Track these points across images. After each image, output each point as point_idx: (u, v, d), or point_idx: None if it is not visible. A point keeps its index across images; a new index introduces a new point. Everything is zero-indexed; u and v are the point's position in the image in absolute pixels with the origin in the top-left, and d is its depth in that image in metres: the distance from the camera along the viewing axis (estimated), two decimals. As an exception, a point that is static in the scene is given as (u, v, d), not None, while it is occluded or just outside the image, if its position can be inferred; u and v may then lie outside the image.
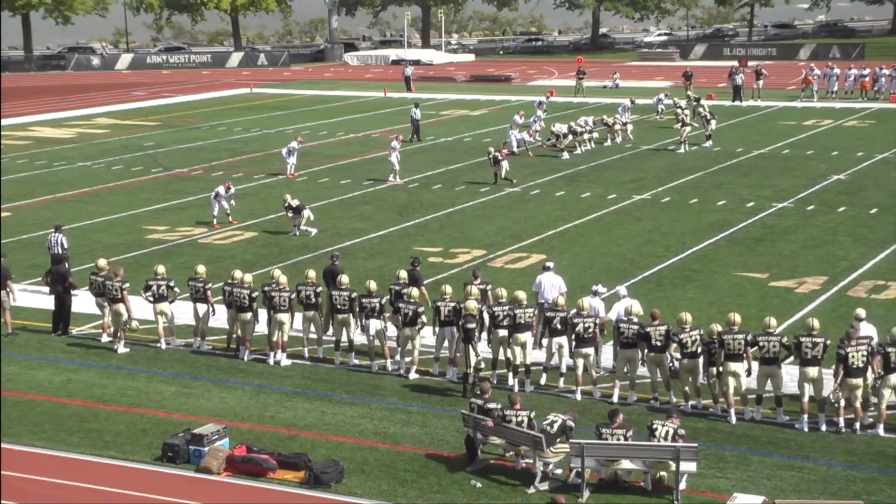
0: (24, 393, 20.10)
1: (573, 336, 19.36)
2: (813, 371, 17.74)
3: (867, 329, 18.62)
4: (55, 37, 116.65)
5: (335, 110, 62.80)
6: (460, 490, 15.90)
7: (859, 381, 17.50)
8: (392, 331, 20.99)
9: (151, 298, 22.24)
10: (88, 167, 44.80)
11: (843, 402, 17.57)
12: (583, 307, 19.60)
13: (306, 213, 31.83)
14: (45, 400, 19.75)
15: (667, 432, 15.77)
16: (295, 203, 31.95)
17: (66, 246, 26.45)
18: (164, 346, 22.29)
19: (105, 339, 22.75)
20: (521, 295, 20.12)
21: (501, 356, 20.07)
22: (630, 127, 48.44)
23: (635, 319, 19.25)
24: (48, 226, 33.20)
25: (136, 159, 46.38)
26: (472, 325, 19.50)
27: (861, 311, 19.72)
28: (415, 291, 21.01)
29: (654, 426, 15.90)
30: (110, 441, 17.84)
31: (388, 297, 21.10)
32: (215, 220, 33.13)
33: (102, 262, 23.19)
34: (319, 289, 21.35)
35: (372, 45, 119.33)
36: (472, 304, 19.78)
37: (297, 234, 31.54)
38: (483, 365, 19.90)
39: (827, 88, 62.61)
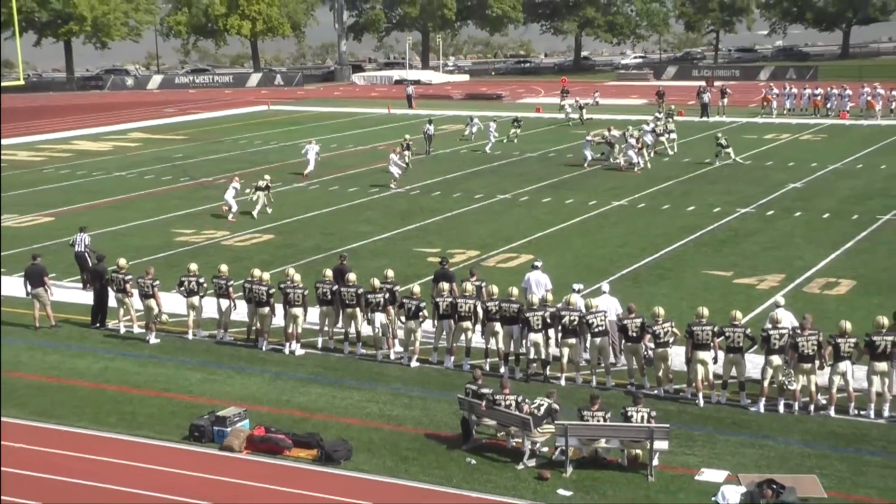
0: (66, 379, 20.12)
1: (559, 327, 19.35)
2: (778, 359, 17.76)
3: (785, 315, 18.59)
4: (94, 60, 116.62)
5: (344, 125, 62.73)
6: (457, 466, 15.91)
7: (810, 365, 17.54)
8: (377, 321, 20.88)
9: (185, 293, 22.26)
10: (123, 177, 44.77)
11: (797, 386, 17.62)
12: (570, 301, 19.58)
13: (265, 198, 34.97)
14: (86, 385, 19.76)
15: (641, 417, 15.81)
16: (262, 183, 35.15)
17: (87, 243, 26.48)
18: (191, 336, 22.29)
19: (122, 329, 22.74)
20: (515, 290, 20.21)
21: (493, 346, 20.06)
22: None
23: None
24: (90, 229, 33.01)
25: (166, 170, 46.35)
26: (532, 315, 19.36)
27: (780, 299, 19.81)
28: (416, 288, 20.95)
29: (630, 413, 15.91)
30: (143, 422, 17.85)
31: (385, 295, 20.76)
32: (231, 216, 34.40)
33: (123, 262, 23.14)
34: (336, 287, 21.31)
35: (377, 67, 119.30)
36: (536, 299, 19.67)
37: (267, 211, 34.77)
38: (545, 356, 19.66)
39: (784, 106, 62.68)
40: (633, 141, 42.69)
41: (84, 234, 26.71)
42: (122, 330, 22.81)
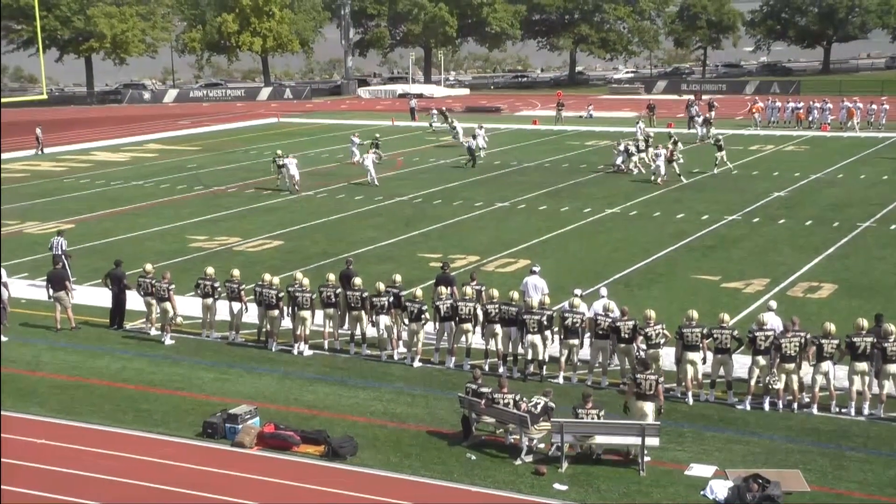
0: (85, 378, 20.07)
1: (562, 329, 19.27)
2: (763, 359, 17.72)
3: (772, 319, 18.53)
4: (113, 75, 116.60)
5: (351, 136, 62.58)
6: (457, 462, 15.86)
7: (792, 365, 17.52)
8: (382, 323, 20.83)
9: (201, 294, 22.23)
10: (140, 185, 44.75)
11: (780, 385, 17.58)
12: (575, 304, 19.52)
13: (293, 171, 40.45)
14: (104, 384, 19.72)
15: (650, 384, 16.04)
16: (281, 162, 40.75)
17: (65, 248, 26.58)
18: (205, 335, 22.26)
19: (153, 332, 22.68)
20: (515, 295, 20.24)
21: (492, 347, 20.01)
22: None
23: (611, 315, 19.21)
24: (108, 235, 33.43)
25: (181, 179, 46.33)
26: (529, 318, 19.27)
27: (772, 303, 19.78)
28: (418, 292, 20.92)
29: (639, 380, 16.18)
30: (159, 419, 17.81)
31: (389, 298, 20.70)
32: (297, 185, 40.68)
33: (149, 267, 23.10)
34: (339, 290, 21.29)
35: (381, 81, 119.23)
36: (534, 302, 19.61)
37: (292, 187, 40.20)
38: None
39: (768, 118, 62.67)
40: (664, 152, 42.27)
41: (61, 238, 26.83)
42: (153, 332, 22.71)
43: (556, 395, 16.92)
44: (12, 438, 16.90)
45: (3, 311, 22.80)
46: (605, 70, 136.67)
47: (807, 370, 17.73)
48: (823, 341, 17.46)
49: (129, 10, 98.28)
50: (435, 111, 65.57)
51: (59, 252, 26.36)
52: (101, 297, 25.02)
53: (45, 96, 61.63)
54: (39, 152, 56.22)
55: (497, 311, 19.77)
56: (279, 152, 43.25)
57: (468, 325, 20.09)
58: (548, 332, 19.35)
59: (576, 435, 15.70)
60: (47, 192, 43.16)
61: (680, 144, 44.68)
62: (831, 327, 17.58)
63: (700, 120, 57.01)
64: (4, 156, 54.90)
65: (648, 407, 16.14)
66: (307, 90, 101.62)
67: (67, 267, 25.54)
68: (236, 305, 22.05)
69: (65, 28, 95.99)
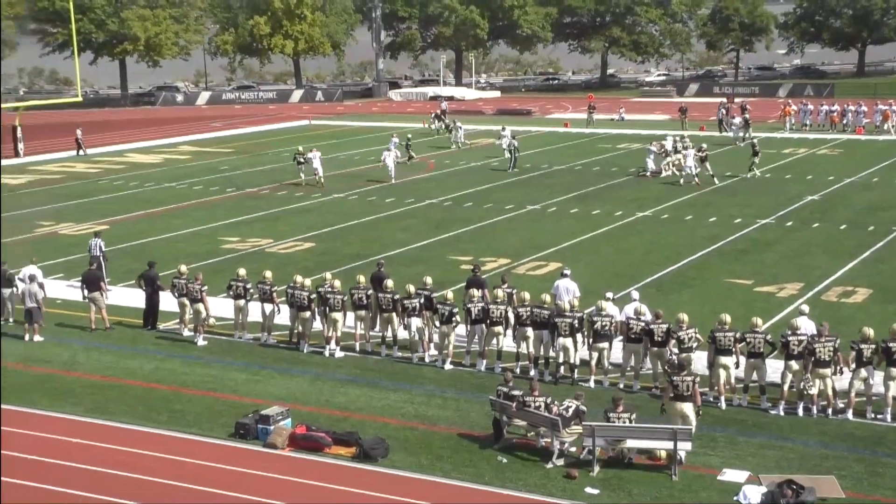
0: (119, 378, 20.23)
1: (591, 332, 19.22)
2: (796, 364, 17.58)
3: (806, 323, 18.35)
4: (146, 77, 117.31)
5: (382, 139, 62.65)
6: (488, 465, 15.85)
7: (827, 371, 17.36)
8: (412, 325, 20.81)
9: (233, 296, 22.33)
10: (173, 187, 45.06)
11: (815, 390, 17.42)
12: (602, 308, 19.45)
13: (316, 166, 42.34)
14: (138, 385, 19.87)
15: (687, 386, 16.03)
16: (303, 158, 42.72)
17: (103, 249, 26.82)
18: (236, 337, 22.36)
19: (186, 332, 22.81)
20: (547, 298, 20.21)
21: (524, 350, 19.98)
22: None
23: (643, 318, 19.13)
24: (143, 237, 33.69)
25: (214, 180, 46.60)
26: (561, 321, 19.27)
27: (804, 307, 19.60)
28: (449, 294, 20.90)
29: (676, 382, 16.13)
30: (192, 420, 17.91)
31: (420, 300, 20.72)
32: (320, 180, 42.49)
33: (184, 268, 23.26)
34: (370, 292, 21.34)
35: (413, 84, 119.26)
36: (567, 306, 19.61)
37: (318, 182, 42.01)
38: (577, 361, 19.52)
39: (802, 121, 62.18)
40: (692, 153, 42.09)
41: (99, 240, 27.09)
42: (186, 332, 22.84)
43: (588, 399, 16.86)
44: (48, 437, 17.08)
45: (38, 311, 23.04)
46: (636, 73, 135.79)
47: (845, 375, 17.57)
48: (863, 346, 17.30)
49: (163, 13, 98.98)
50: (433, 114, 65.81)
51: (98, 253, 26.58)
52: (134, 297, 25.19)
53: (79, 98, 62.23)
54: (83, 153, 56.71)
55: (528, 313, 19.75)
56: (300, 149, 44.75)
57: (499, 328, 20.07)
58: (579, 336, 19.30)
59: (607, 438, 15.66)
60: (83, 194, 43.56)
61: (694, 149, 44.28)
62: (870, 332, 17.41)
63: (739, 121, 56.67)
64: (42, 157, 55.59)
65: (688, 408, 16.07)
66: (339, 92, 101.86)
67: (103, 268, 25.74)
68: (268, 307, 22.16)
69: (99, 31, 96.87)
